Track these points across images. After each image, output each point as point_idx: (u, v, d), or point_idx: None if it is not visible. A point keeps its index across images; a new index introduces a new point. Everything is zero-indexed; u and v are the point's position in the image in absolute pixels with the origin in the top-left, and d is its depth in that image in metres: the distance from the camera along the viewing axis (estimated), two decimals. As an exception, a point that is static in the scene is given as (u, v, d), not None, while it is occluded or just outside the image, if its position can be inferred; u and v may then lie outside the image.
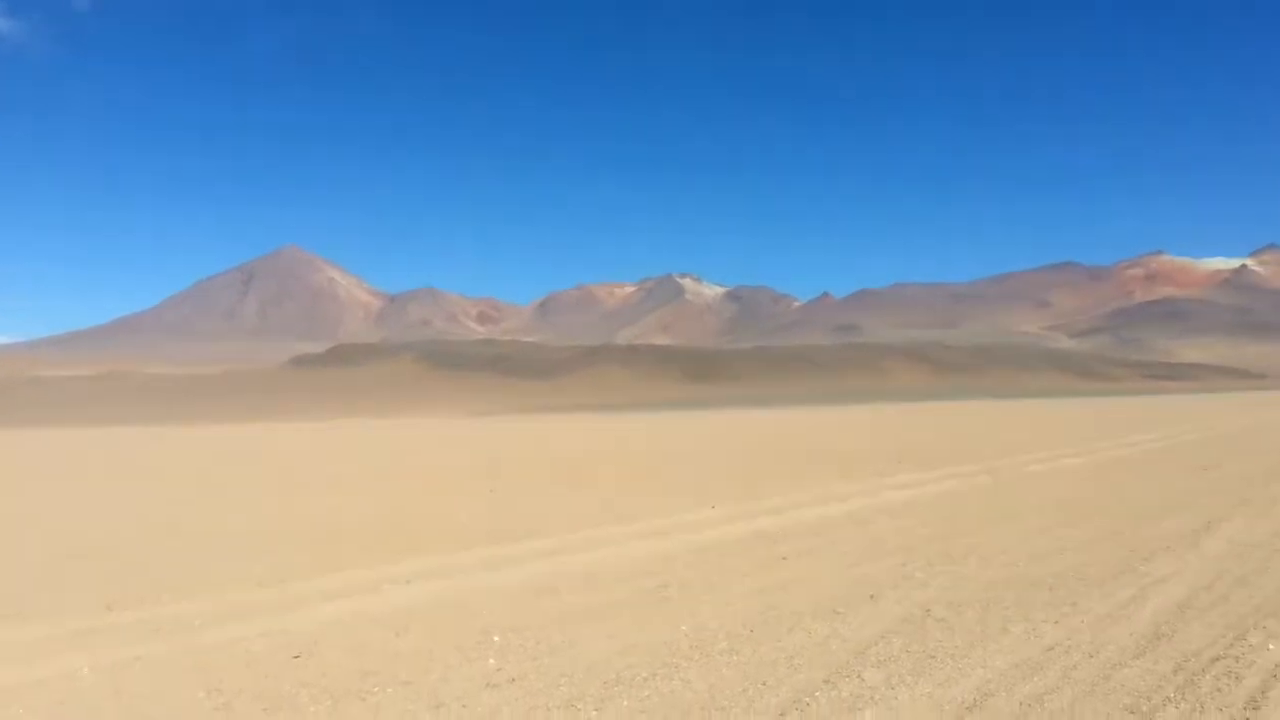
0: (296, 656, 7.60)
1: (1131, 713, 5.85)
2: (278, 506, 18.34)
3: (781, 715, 6.03)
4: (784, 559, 11.11)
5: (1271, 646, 7.05)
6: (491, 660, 7.37)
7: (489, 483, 21.67)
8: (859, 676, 6.68)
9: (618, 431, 56.43)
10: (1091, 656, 6.97)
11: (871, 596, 9.06)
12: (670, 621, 8.39)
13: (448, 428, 72.57)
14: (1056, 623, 7.92)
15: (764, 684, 6.60)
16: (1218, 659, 6.80)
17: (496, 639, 7.96)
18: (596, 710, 6.26)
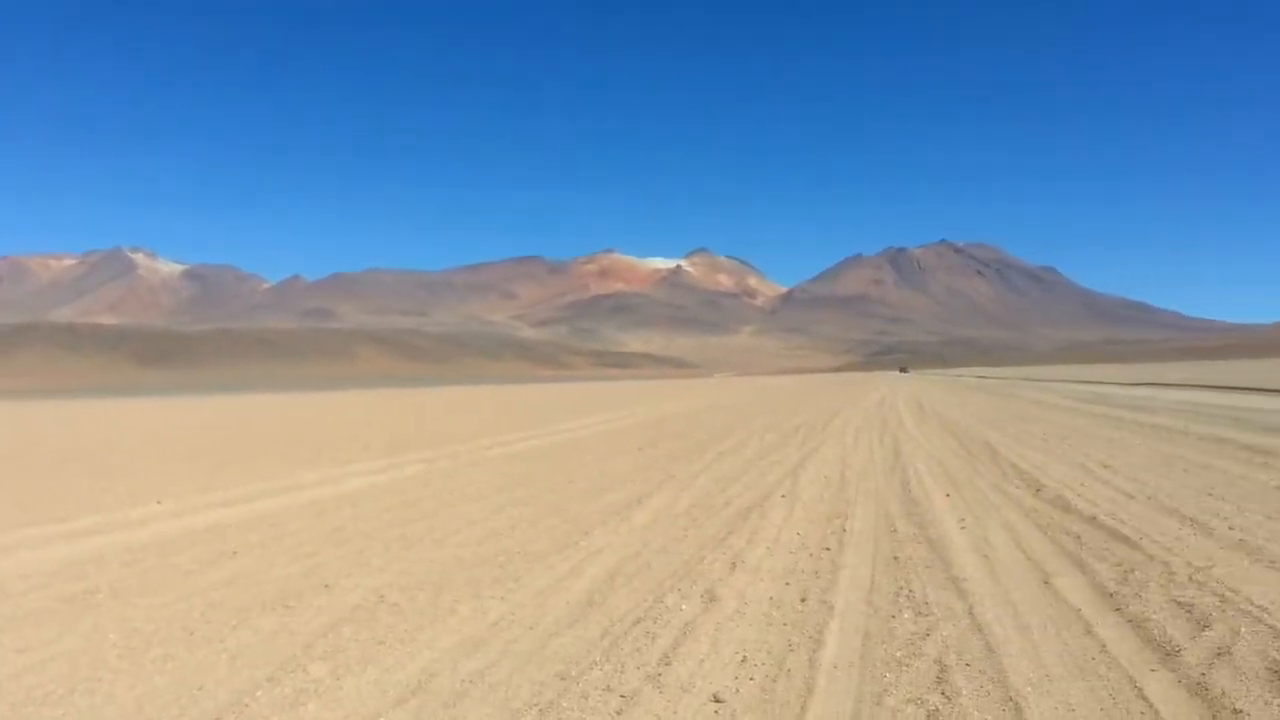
0: None
1: (562, 678, 6.28)
2: None
3: (217, 720, 5.68)
4: (234, 553, 10.53)
5: (684, 606, 7.94)
6: None
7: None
8: (305, 670, 6.49)
9: (49, 420, 50.23)
10: (531, 629, 7.40)
11: (326, 586, 8.88)
12: (97, 629, 7.57)
13: None
14: (502, 599, 8.32)
15: (200, 689, 6.17)
16: (639, 621, 7.53)
17: None
18: (-6, 741, 5.47)
